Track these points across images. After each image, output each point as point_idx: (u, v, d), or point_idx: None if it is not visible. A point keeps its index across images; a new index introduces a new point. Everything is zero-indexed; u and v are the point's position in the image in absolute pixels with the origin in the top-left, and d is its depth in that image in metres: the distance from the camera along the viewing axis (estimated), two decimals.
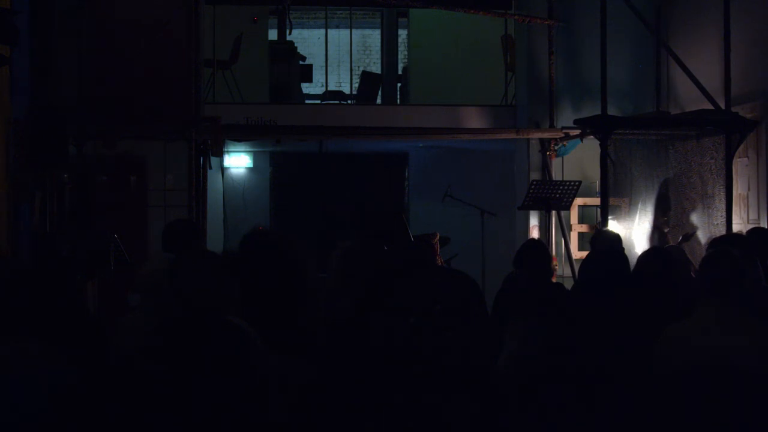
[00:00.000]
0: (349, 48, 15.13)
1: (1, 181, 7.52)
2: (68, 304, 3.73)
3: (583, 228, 10.75)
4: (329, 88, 14.63)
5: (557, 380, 3.93)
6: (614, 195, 9.83)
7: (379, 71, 16.03)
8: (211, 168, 9.62)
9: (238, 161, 13.50)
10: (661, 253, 5.29)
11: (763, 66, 8.86)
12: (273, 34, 14.66)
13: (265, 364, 3.00)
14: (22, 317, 3.20)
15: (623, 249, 6.43)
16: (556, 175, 10.76)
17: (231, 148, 12.35)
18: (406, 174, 14.12)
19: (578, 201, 10.39)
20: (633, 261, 5.22)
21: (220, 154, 10.10)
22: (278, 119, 10.78)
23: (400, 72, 15.77)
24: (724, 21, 8.76)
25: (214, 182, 11.83)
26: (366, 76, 15.43)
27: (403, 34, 15.96)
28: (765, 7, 8.95)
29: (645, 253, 5.31)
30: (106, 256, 7.88)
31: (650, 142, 9.84)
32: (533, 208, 10.40)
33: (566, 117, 10.73)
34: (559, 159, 10.90)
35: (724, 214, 8.70)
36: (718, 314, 3.86)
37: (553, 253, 9.91)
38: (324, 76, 14.38)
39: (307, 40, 17.17)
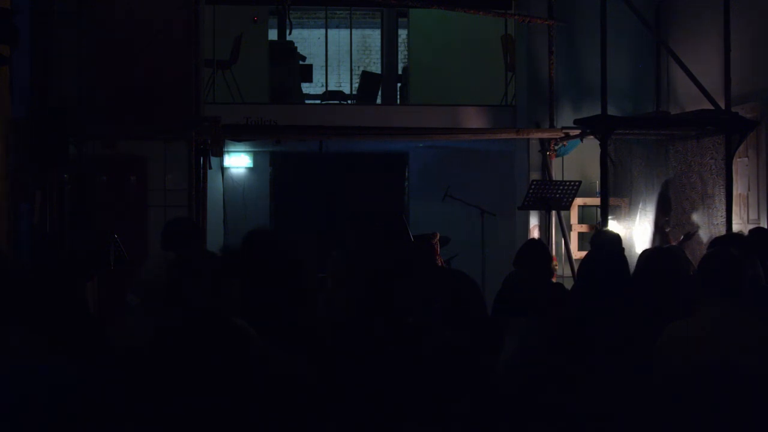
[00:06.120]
0: (349, 48, 15.14)
1: (1, 181, 7.52)
2: (68, 304, 3.73)
3: (583, 228, 10.75)
4: (329, 88, 14.64)
5: (557, 380, 3.93)
6: (614, 195, 9.83)
7: (379, 71, 16.02)
8: (211, 168, 9.62)
9: (238, 161, 13.49)
10: (662, 253, 5.28)
11: (763, 66, 8.87)
12: (273, 34, 14.68)
13: (265, 364, 3.01)
14: (23, 316, 3.20)
15: (623, 249, 6.43)
16: (556, 175, 10.75)
17: (231, 148, 12.35)
18: (406, 174, 14.11)
19: (578, 201, 10.39)
20: (633, 261, 5.22)
21: (220, 154, 10.10)
22: (278, 119, 10.77)
23: (400, 72, 15.77)
24: (724, 21, 8.76)
25: (214, 182, 11.82)
26: (366, 76, 15.43)
27: (403, 34, 15.96)
28: (765, 8, 8.95)
29: (646, 253, 5.31)
30: (106, 256, 7.87)
31: (650, 142, 9.84)
32: (533, 208, 10.39)
33: (566, 117, 10.72)
34: (559, 159, 10.89)
35: (724, 214, 8.70)
36: (719, 314, 3.85)
37: (553, 253, 9.90)
38: (324, 76, 14.39)
39: (307, 40, 17.17)
